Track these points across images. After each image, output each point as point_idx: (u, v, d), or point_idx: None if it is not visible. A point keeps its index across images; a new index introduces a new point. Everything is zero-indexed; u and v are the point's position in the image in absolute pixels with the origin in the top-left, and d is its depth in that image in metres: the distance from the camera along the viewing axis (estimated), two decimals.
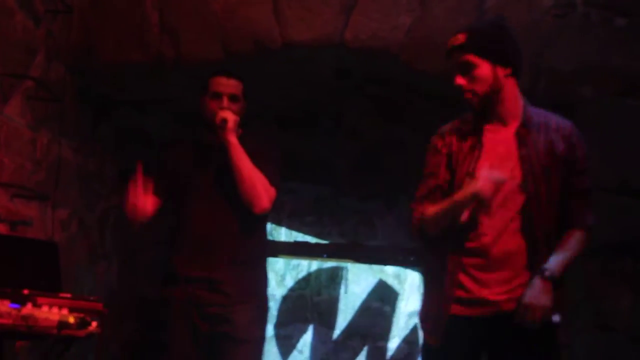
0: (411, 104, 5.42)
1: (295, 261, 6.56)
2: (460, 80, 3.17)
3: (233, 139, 3.86)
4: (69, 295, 3.59)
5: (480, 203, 2.99)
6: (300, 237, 6.22)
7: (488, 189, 2.96)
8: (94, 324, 3.50)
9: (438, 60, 4.66)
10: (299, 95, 5.32)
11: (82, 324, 3.35)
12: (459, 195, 3.03)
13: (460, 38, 3.15)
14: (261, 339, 4.01)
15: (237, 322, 3.86)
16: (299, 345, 6.38)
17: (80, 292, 4.92)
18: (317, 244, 6.18)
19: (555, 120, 3.23)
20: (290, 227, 6.19)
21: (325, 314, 6.58)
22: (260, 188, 3.86)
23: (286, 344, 6.46)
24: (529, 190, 3.07)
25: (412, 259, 6.08)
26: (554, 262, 3.08)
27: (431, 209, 3.11)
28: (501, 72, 3.15)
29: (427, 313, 3.20)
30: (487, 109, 3.17)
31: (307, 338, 6.47)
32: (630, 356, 4.48)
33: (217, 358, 3.91)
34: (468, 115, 3.27)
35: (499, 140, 3.15)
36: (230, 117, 3.86)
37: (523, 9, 4.67)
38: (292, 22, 4.63)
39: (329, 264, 6.56)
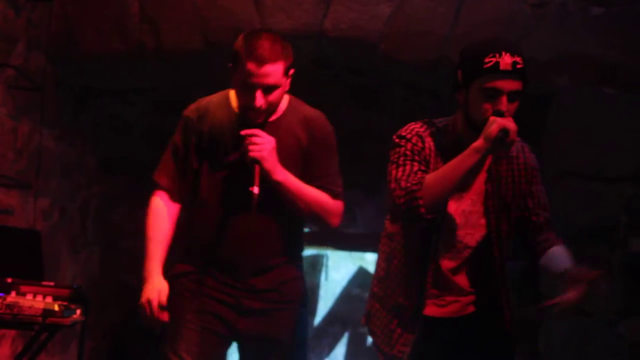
0: (390, 93, 5.45)
1: None
2: (505, 107, 2.79)
3: (281, 178, 3.03)
4: (52, 284, 3.60)
5: (502, 143, 2.73)
6: None
7: (511, 124, 2.73)
8: (78, 311, 3.52)
9: (417, 50, 4.71)
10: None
11: (67, 311, 3.37)
12: (477, 143, 2.76)
13: (520, 62, 2.80)
14: (303, 342, 3.30)
15: (275, 323, 3.20)
16: None
17: (63, 280, 4.94)
18: None
19: (522, 155, 3.03)
20: None
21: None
22: (325, 214, 3.15)
23: None
24: (490, 225, 2.98)
25: None
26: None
27: (431, 175, 2.83)
28: None
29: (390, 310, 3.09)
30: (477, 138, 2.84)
31: None
32: (607, 341, 4.55)
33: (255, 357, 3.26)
34: (448, 125, 2.98)
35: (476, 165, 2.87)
36: (269, 154, 3.00)
37: (502, 0, 4.71)
38: (272, 12, 4.65)
39: (309, 251, 6.59)
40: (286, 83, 3.16)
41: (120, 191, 5.82)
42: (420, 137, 2.92)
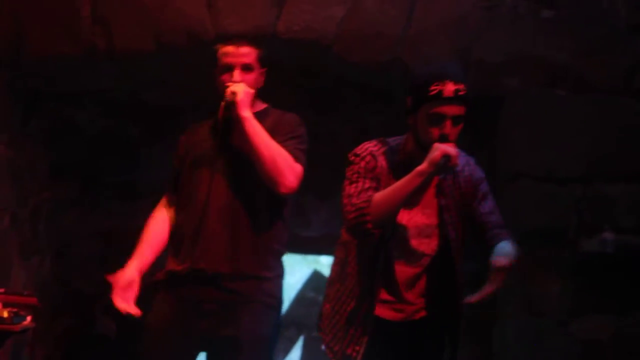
0: (343, 95, 5.46)
1: None
2: (449, 130, 3.11)
3: (246, 113, 3.36)
4: (2, 290, 3.56)
5: (444, 167, 3.05)
6: None
7: (452, 150, 3.03)
8: (29, 318, 3.48)
9: (370, 52, 4.73)
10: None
11: (17, 318, 3.32)
12: (421, 167, 3.05)
13: (463, 89, 3.11)
14: (271, 342, 3.48)
15: (243, 321, 3.34)
16: None
17: (14, 287, 4.87)
18: None
19: (467, 168, 3.34)
20: None
21: None
22: (283, 164, 3.32)
23: None
24: (447, 235, 3.26)
25: None
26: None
27: (379, 194, 3.11)
28: None
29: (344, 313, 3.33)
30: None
31: None
32: (558, 340, 4.59)
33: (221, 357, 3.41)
34: (400, 144, 3.27)
35: (420, 185, 3.13)
36: (241, 90, 3.38)
37: (452, 2, 4.74)
38: (225, 14, 4.64)
39: None
40: (260, 73, 3.59)
41: (72, 196, 5.76)
42: (373, 156, 3.21)
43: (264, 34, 4.63)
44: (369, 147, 3.25)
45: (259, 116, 3.46)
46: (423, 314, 3.33)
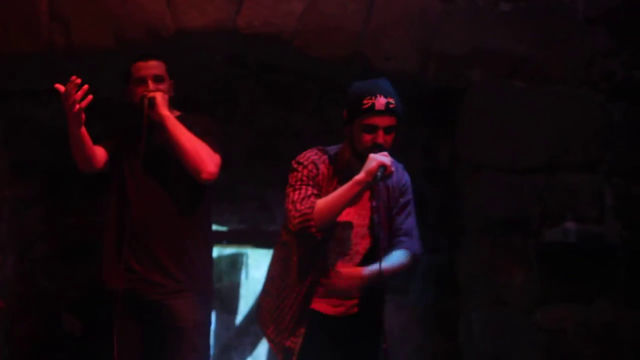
0: (305, 90, 5.46)
1: None
2: (382, 140, 3.40)
3: (166, 112, 3.80)
4: None
5: (381, 176, 3.31)
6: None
7: (387, 160, 3.32)
8: None
9: (330, 46, 4.72)
10: (192, 83, 5.30)
11: None
12: (359, 176, 3.33)
13: (393, 102, 3.40)
14: (205, 327, 3.89)
15: (178, 309, 3.76)
16: None
17: None
18: (216, 231, 6.16)
19: (396, 174, 3.55)
20: None
21: (226, 301, 6.58)
22: (203, 154, 3.75)
23: None
24: (378, 235, 3.50)
25: None
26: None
27: (322, 200, 3.38)
28: None
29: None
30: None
31: None
32: (523, 329, 4.63)
33: (162, 347, 3.81)
34: (338, 152, 3.55)
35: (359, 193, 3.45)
36: (158, 94, 3.81)
37: None
38: (185, 9, 4.61)
39: (229, 250, 6.56)
40: (170, 84, 3.96)
41: (34, 194, 5.70)
42: (315, 164, 3.48)
43: (224, 29, 4.61)
44: (310, 155, 3.52)
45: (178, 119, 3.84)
46: (358, 308, 3.57)
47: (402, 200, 3.60)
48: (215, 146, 3.81)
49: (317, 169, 3.48)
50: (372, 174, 3.31)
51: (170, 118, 3.78)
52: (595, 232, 4.71)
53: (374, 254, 3.51)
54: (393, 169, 3.38)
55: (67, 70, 4.94)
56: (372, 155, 3.34)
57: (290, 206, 3.40)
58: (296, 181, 3.46)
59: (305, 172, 3.47)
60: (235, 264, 6.65)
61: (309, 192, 3.41)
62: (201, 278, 3.88)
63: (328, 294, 3.52)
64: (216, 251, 6.48)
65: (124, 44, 4.64)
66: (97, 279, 4.75)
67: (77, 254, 5.95)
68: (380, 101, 3.38)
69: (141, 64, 3.90)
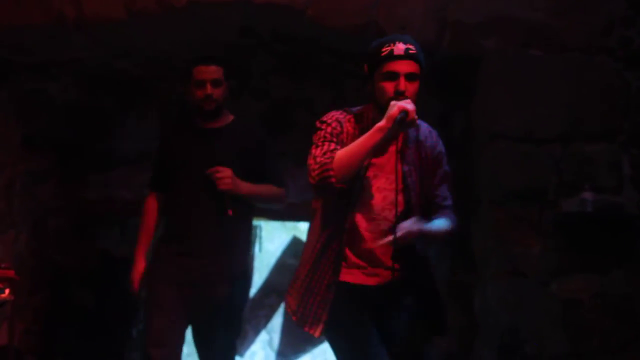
0: (318, 60, 5.41)
1: None
2: (404, 87, 3.27)
3: (245, 190, 4.07)
4: None
5: (402, 122, 3.17)
6: None
7: (409, 106, 3.18)
8: (7, 291, 3.45)
9: (344, 16, 4.67)
10: (205, 54, 5.26)
11: None
12: (380, 123, 3.20)
13: (413, 48, 3.30)
14: (240, 310, 4.25)
15: (220, 292, 4.07)
16: None
17: None
18: None
19: (423, 132, 3.47)
20: None
21: None
22: (275, 202, 4.25)
23: None
24: (410, 200, 3.40)
25: None
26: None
27: (342, 150, 3.26)
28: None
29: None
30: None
31: None
32: (540, 300, 4.60)
33: (199, 322, 4.15)
34: (364, 111, 3.43)
35: (384, 152, 3.40)
36: (232, 182, 4.01)
37: None
38: None
39: None
40: (226, 86, 4.15)
41: (46, 167, 5.69)
42: (339, 122, 3.38)
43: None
44: (334, 114, 3.42)
45: (228, 130, 4.16)
46: (396, 276, 3.43)
47: (439, 171, 3.49)
48: (279, 179, 4.22)
49: (342, 126, 3.37)
50: (392, 119, 3.17)
51: (249, 194, 4.10)
52: (613, 202, 4.66)
53: (403, 221, 3.34)
54: (422, 131, 3.26)
55: (77, 42, 4.93)
56: (393, 102, 3.21)
57: (311, 161, 3.30)
58: (319, 139, 3.36)
59: (328, 129, 3.36)
60: None
61: (332, 147, 3.30)
62: (245, 266, 4.25)
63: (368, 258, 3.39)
64: None
65: (135, 15, 4.60)
66: (109, 253, 4.76)
67: (89, 228, 5.95)
68: (399, 47, 3.27)
69: (202, 67, 4.10)
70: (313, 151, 3.33)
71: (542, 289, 4.61)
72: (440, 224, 3.39)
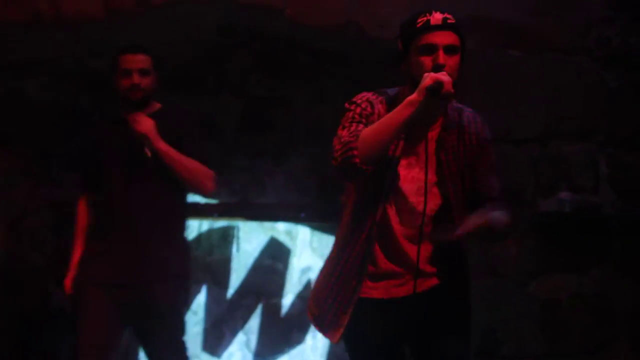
0: (296, 60, 5.40)
1: None
2: (443, 60, 2.88)
3: (162, 146, 3.88)
4: None
5: (436, 95, 2.79)
6: (190, 197, 6.17)
7: (444, 77, 2.80)
8: None
9: (323, 14, 4.66)
10: (183, 53, 5.24)
11: None
12: (411, 96, 2.84)
13: (451, 17, 2.96)
14: (182, 310, 4.12)
15: (158, 293, 3.93)
16: (193, 306, 6.33)
17: None
18: (206, 204, 6.11)
19: (466, 117, 3.08)
20: None
21: (218, 274, 6.54)
22: (202, 177, 3.97)
23: None
24: (447, 193, 3.00)
25: (302, 215, 6.10)
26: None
27: (368, 127, 2.90)
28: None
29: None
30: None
31: (200, 299, 6.43)
32: (518, 300, 4.61)
33: (140, 328, 4.03)
34: (399, 93, 3.03)
35: (420, 138, 3.01)
36: (148, 129, 3.86)
37: None
38: None
39: (220, 223, 6.51)
40: (155, 78, 4.04)
41: (22, 167, 5.64)
42: (370, 102, 2.99)
43: None
44: (365, 95, 3.03)
45: (157, 116, 3.97)
46: (432, 282, 3.05)
47: (486, 160, 3.05)
48: (207, 161, 3.99)
49: (373, 107, 2.97)
50: (424, 90, 2.78)
51: (166, 152, 3.88)
52: (590, 202, 4.69)
53: (441, 217, 2.98)
54: (453, 90, 2.82)
55: (54, 40, 4.88)
56: (426, 73, 2.81)
57: (336, 141, 2.91)
58: (346, 120, 2.96)
59: (358, 110, 2.97)
60: (226, 237, 6.60)
61: (360, 128, 2.90)
62: (182, 263, 4.07)
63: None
64: (207, 224, 6.45)
65: (112, 13, 4.57)
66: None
67: (66, 228, 5.90)
68: (436, 16, 2.92)
69: (129, 56, 3.99)
70: (339, 132, 2.94)
71: (520, 289, 4.62)
72: (497, 214, 2.90)
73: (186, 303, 4.25)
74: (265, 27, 4.96)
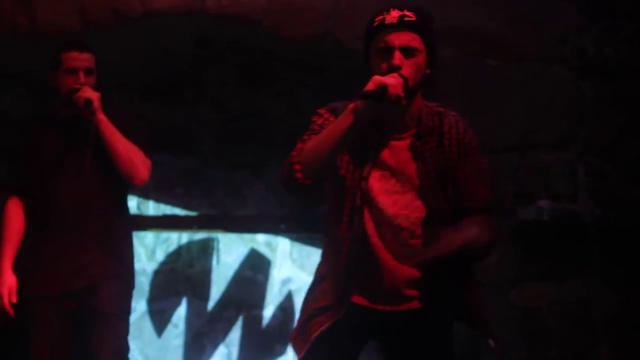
0: (274, 71, 5.40)
1: (165, 234, 6.47)
2: (399, 62, 2.68)
3: (102, 117, 3.76)
4: None
5: (381, 100, 2.59)
6: (169, 209, 6.13)
7: (390, 79, 2.61)
8: None
9: (301, 26, 4.66)
10: (160, 65, 5.22)
11: None
12: (356, 103, 2.62)
13: (410, 15, 2.70)
14: (127, 314, 3.97)
15: (101, 297, 3.82)
16: (174, 319, 6.31)
17: None
18: (186, 216, 6.10)
19: (448, 122, 2.87)
20: (158, 200, 6.10)
21: (198, 286, 6.51)
22: (138, 161, 3.83)
23: (160, 319, 6.38)
24: (430, 204, 2.78)
25: (282, 226, 6.09)
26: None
27: (311, 140, 2.72)
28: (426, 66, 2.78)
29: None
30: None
31: (181, 311, 6.40)
32: (499, 308, 4.61)
33: (84, 334, 3.88)
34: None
35: (394, 147, 2.81)
36: (95, 96, 3.74)
37: None
38: None
39: (200, 235, 6.49)
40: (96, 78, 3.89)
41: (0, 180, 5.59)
42: (334, 112, 2.78)
43: (192, 9, 4.54)
44: (333, 105, 2.84)
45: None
46: (414, 304, 2.82)
47: (468, 166, 2.81)
48: (147, 149, 3.89)
49: (336, 116, 2.73)
50: (365, 96, 2.59)
51: (105, 123, 3.76)
52: (568, 210, 4.70)
53: (426, 230, 2.76)
54: (400, 92, 2.60)
55: (31, 53, 4.85)
56: (374, 77, 2.62)
57: (287, 159, 2.74)
58: (307, 132, 2.77)
59: (320, 121, 2.77)
60: (205, 249, 6.58)
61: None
62: (124, 265, 3.97)
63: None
64: (186, 237, 6.43)
65: (90, 26, 4.55)
66: None
67: None
68: (393, 14, 2.69)
69: (75, 54, 3.84)
70: (297, 146, 2.76)
71: (501, 297, 4.62)
72: (465, 232, 2.69)
73: (130, 308, 4.04)
74: (243, 38, 4.95)
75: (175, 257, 6.35)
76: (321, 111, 2.83)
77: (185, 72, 5.41)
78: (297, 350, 2.87)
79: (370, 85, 2.61)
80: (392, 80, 2.60)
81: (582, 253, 4.69)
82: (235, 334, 6.40)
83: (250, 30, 4.73)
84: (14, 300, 3.81)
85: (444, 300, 2.83)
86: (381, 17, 2.71)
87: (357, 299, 2.81)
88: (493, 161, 4.64)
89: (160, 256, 6.47)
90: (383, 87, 2.59)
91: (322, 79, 5.13)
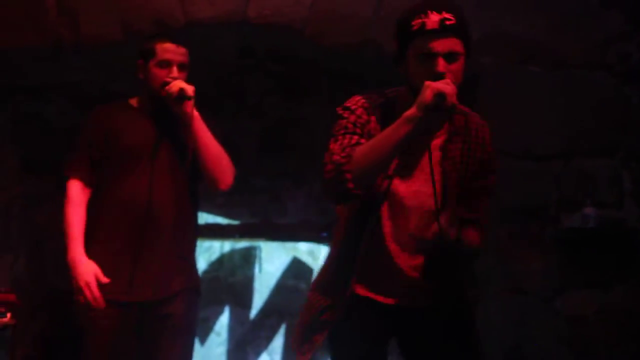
0: (315, 80, 5.41)
1: (207, 243, 6.52)
2: (443, 68, 2.59)
3: (196, 112, 3.49)
4: None
5: (439, 108, 2.52)
6: (211, 218, 6.17)
7: (447, 87, 2.52)
8: (9, 315, 3.41)
9: (341, 34, 4.67)
10: (201, 75, 5.25)
11: None
12: (408, 111, 2.55)
13: (451, 17, 2.60)
14: (196, 326, 3.69)
15: (178, 308, 3.52)
16: (216, 327, 6.35)
17: None
18: (228, 225, 6.13)
19: (474, 124, 2.82)
20: (201, 209, 6.16)
21: (240, 295, 6.56)
22: (226, 163, 3.55)
23: (203, 328, 6.43)
24: (450, 204, 2.73)
25: (324, 234, 6.10)
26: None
27: (361, 147, 2.61)
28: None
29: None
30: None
31: (223, 320, 6.44)
32: (544, 316, 4.58)
33: (148, 342, 3.57)
34: (398, 96, 2.76)
35: (422, 148, 2.74)
36: (190, 89, 3.45)
37: None
38: (194, 0, 4.56)
39: (242, 244, 6.54)
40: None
41: (44, 191, 5.66)
42: (365, 109, 2.70)
43: (234, 19, 4.56)
44: (360, 99, 2.75)
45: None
46: (426, 301, 2.80)
47: (482, 180, 2.79)
48: (231, 157, 3.61)
49: (368, 114, 2.68)
50: (424, 106, 2.50)
51: (198, 120, 3.49)
52: (614, 217, 4.65)
53: (445, 228, 2.70)
54: (455, 100, 2.52)
55: (75, 64, 4.91)
56: (427, 83, 2.51)
57: (327, 159, 2.63)
58: (339, 129, 2.67)
59: (352, 118, 2.68)
60: (248, 258, 6.62)
61: (353, 142, 2.62)
62: (198, 275, 3.71)
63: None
64: (229, 245, 6.48)
65: (132, 37, 4.58)
66: None
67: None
68: (433, 18, 2.58)
69: (171, 46, 3.57)
70: (331, 146, 2.66)
71: (545, 306, 4.59)
72: (480, 237, 2.77)
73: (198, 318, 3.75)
74: (285, 48, 4.96)
75: (217, 265, 6.39)
76: (352, 106, 2.73)
77: (226, 81, 5.44)
78: (300, 353, 2.83)
79: (428, 93, 2.52)
80: (449, 88, 2.52)
81: (627, 260, 4.64)
82: (277, 342, 6.43)
83: (291, 40, 4.74)
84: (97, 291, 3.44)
85: (457, 299, 2.85)
86: (420, 20, 2.60)
87: (373, 296, 2.78)
88: (536, 168, 4.63)
89: (202, 265, 6.51)
90: (442, 96, 2.51)
91: (362, 87, 5.12)
